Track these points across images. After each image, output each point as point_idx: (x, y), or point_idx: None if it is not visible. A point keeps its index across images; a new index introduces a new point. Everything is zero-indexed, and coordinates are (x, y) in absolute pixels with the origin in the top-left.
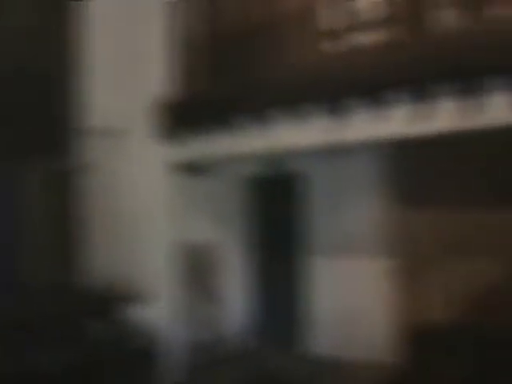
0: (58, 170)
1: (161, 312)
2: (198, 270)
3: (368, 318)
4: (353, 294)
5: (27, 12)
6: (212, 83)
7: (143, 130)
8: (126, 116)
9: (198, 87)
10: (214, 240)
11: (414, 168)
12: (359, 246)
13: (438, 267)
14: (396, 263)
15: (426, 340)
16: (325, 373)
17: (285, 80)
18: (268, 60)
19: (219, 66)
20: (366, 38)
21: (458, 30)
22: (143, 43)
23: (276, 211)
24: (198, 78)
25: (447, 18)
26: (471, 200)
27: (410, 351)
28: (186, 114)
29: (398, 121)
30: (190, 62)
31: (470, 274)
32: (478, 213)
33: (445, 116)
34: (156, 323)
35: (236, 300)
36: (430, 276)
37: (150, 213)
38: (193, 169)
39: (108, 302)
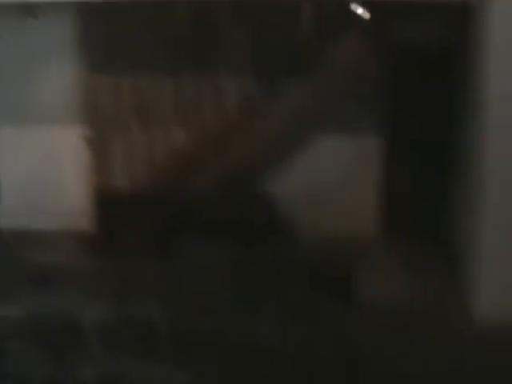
0: None
1: None
2: None
3: (60, 187)
4: (44, 163)
5: None
6: None
7: None
8: None
9: None
10: None
11: (105, 33)
12: (49, 114)
13: (127, 135)
14: (86, 131)
15: (114, 207)
16: (13, 245)
17: None
18: None
19: None
20: None
21: None
22: None
23: None
24: None
25: None
26: (159, 67)
27: (100, 218)
28: None
29: None
30: None
31: (158, 142)
32: (164, 80)
33: None
34: None
35: None
36: (119, 143)
37: None
38: None
39: None
